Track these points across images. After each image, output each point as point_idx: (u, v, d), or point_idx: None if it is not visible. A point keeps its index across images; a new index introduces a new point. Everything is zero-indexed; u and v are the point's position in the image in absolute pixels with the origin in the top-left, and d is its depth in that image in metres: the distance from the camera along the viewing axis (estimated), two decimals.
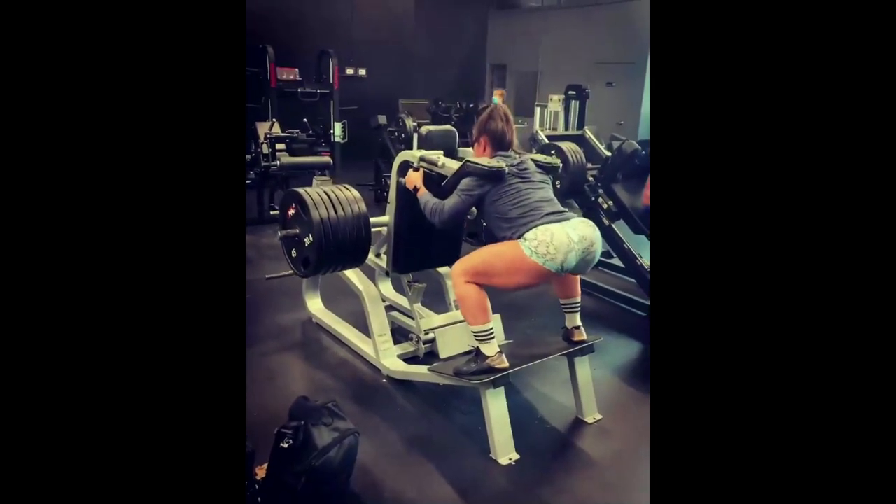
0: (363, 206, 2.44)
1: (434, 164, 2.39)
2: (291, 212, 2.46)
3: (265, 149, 5.02)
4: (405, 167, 2.50)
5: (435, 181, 2.38)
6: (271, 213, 5.07)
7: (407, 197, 2.50)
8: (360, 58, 8.89)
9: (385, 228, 2.69)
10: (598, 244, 2.10)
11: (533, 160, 2.25)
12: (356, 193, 2.47)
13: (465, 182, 2.15)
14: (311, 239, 2.33)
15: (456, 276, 2.14)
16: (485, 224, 2.38)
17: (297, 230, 2.42)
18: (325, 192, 2.40)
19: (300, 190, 2.41)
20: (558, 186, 3.70)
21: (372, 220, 2.51)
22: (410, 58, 9.53)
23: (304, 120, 5.70)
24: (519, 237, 2.03)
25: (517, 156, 2.23)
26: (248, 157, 5.31)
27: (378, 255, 2.84)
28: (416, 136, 2.50)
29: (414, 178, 2.39)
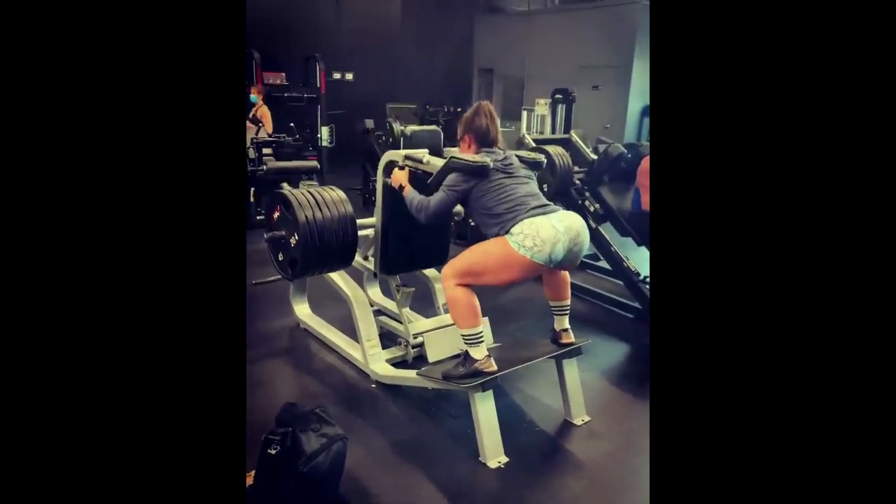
0: (349, 207, 2.45)
1: (419, 161, 2.41)
2: (277, 214, 2.45)
3: (252, 153, 4.99)
4: (391, 167, 2.50)
5: (420, 180, 2.39)
6: (258, 217, 5.05)
7: (393, 197, 2.50)
8: (347, 62, 8.88)
9: (372, 231, 2.69)
10: (585, 235, 2.11)
11: (517, 156, 2.28)
12: (342, 194, 2.48)
13: (451, 178, 2.17)
14: (296, 238, 2.33)
15: (446, 279, 2.14)
16: (472, 223, 2.41)
17: (283, 232, 2.41)
18: (311, 193, 2.41)
19: (285, 190, 2.42)
20: (545, 189, 3.73)
21: (359, 221, 2.51)
22: (397, 62, 9.54)
23: (291, 124, 5.68)
24: (506, 233, 2.05)
25: (501, 152, 2.26)
26: None
27: (366, 258, 2.84)
28: (402, 137, 2.51)
29: (399, 177, 2.40)
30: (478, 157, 2.16)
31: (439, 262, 2.77)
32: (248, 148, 5.00)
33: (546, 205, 2.13)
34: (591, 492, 1.98)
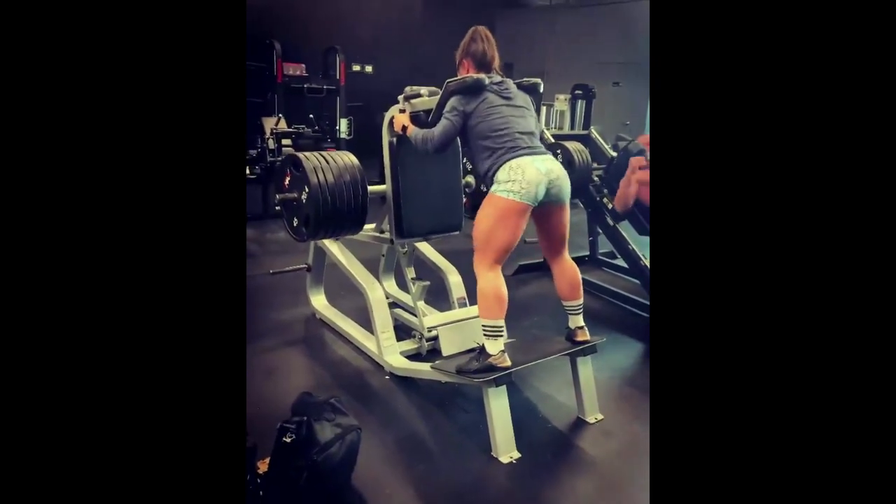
0: (355, 160, 2.50)
1: (417, 96, 2.45)
2: (288, 178, 2.48)
3: (271, 144, 5.03)
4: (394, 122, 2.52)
5: (422, 121, 2.41)
6: (276, 208, 5.09)
7: (401, 155, 2.55)
8: (367, 54, 8.89)
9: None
10: (564, 178, 2.19)
11: (515, 82, 2.32)
12: (351, 156, 2.53)
13: (450, 103, 2.22)
14: (307, 191, 2.36)
15: (476, 267, 2.17)
16: (472, 168, 2.44)
17: (295, 193, 2.45)
18: (320, 154, 2.47)
19: (295, 153, 2.48)
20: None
21: (370, 188, 2.54)
22: (417, 55, 9.51)
23: (311, 116, 5.71)
24: (493, 174, 2.13)
25: (499, 76, 2.30)
26: (254, 152, 5.31)
27: (382, 232, 2.84)
28: (401, 98, 2.52)
29: (401, 119, 2.43)
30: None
31: (454, 226, 2.79)
32: (268, 139, 5.04)
33: (537, 147, 2.20)
34: (602, 489, 1.98)
